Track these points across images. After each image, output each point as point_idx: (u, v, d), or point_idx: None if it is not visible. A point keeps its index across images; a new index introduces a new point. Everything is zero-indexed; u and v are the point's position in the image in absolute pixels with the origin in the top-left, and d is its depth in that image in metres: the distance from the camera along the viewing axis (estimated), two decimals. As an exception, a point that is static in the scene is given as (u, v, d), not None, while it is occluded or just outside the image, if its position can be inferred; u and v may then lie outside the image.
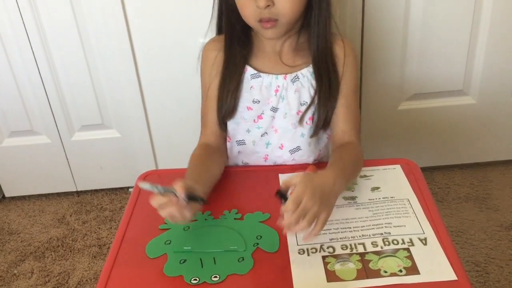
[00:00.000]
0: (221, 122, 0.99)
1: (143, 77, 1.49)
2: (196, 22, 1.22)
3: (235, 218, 0.85)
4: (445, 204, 1.52)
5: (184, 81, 1.45)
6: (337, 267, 0.73)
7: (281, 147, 0.99)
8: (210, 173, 0.92)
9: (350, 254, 0.75)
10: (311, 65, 0.95)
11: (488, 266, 1.30)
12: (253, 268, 0.75)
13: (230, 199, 0.91)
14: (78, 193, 1.71)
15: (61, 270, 1.41)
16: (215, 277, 0.73)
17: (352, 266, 0.73)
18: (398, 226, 0.80)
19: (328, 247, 0.77)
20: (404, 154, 1.61)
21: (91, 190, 1.71)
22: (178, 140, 1.57)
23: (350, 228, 0.81)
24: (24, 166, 1.66)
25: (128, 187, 1.69)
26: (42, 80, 1.49)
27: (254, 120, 0.97)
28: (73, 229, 1.56)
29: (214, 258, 0.77)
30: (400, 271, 0.72)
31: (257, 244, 0.79)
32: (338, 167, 0.84)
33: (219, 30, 0.99)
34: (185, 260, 0.77)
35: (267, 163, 1.01)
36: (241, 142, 1.00)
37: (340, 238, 0.79)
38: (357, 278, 0.71)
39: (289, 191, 0.76)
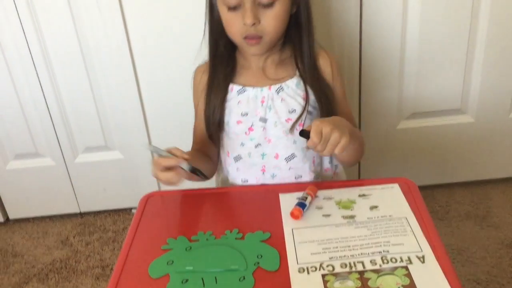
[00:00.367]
0: (211, 137, 1.04)
1: (146, 100, 1.53)
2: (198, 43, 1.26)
3: (236, 238, 0.86)
4: (446, 222, 1.53)
5: (186, 105, 1.46)
6: (337, 285, 0.74)
7: (276, 157, 1.01)
8: (204, 164, 0.99)
9: (349, 272, 0.77)
10: (294, 77, 1.00)
11: (490, 284, 1.31)
12: (254, 287, 0.76)
13: (231, 219, 0.92)
14: (82, 214, 1.74)
15: (65, 291, 1.43)
16: None
17: (351, 284, 0.74)
18: (396, 244, 0.81)
19: (327, 266, 0.78)
20: (404, 172, 1.63)
21: (94, 212, 1.74)
22: None
23: (349, 246, 0.82)
24: (28, 188, 1.69)
25: (131, 208, 1.71)
26: (46, 103, 1.53)
27: (246, 132, 1.01)
28: (76, 251, 1.57)
29: (215, 278, 0.78)
30: None
31: (258, 263, 0.80)
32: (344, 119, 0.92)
33: None
34: (187, 280, 0.78)
35: (265, 176, 1.03)
36: (237, 158, 1.03)
37: (340, 257, 0.80)
38: None
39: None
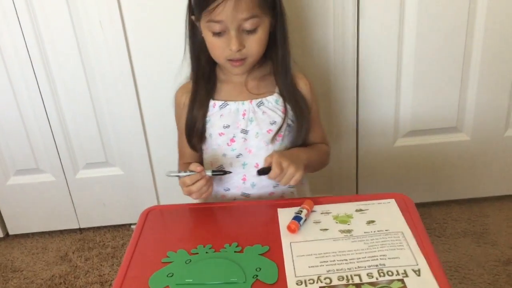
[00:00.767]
0: (193, 148, 1.09)
1: (146, 117, 1.55)
2: None
3: (235, 251, 0.88)
4: (443, 239, 1.54)
5: None
6: None
7: (256, 166, 1.05)
8: None
9: (347, 285, 0.78)
10: (274, 94, 1.05)
11: (487, 300, 1.32)
12: None
13: (230, 233, 0.94)
14: (81, 230, 1.74)
15: (64, 307, 1.43)
16: None
17: None
18: (392, 258, 0.83)
19: (325, 278, 0.80)
20: (401, 189, 1.63)
21: (94, 227, 1.75)
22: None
23: (346, 260, 0.83)
24: (28, 203, 1.70)
25: (130, 224, 1.72)
26: (48, 120, 1.55)
27: (227, 143, 1.05)
28: (76, 266, 1.58)
29: None
30: None
31: (257, 276, 0.82)
32: (302, 149, 1.07)
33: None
34: None
35: (245, 185, 1.08)
36: (220, 168, 1.06)
37: (337, 270, 0.81)
38: None
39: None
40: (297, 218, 0.91)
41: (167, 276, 0.84)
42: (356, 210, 0.96)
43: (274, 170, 0.95)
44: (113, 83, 1.49)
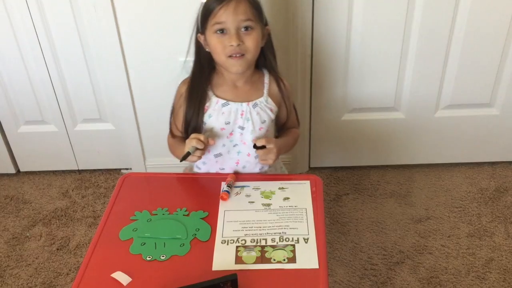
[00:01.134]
0: (187, 136, 1.31)
1: (133, 82, 1.80)
2: (182, 36, 1.54)
3: (183, 214, 1.17)
4: (373, 199, 1.87)
5: (168, 85, 1.72)
6: (244, 254, 1.06)
7: (248, 155, 1.33)
8: None
9: (255, 246, 1.08)
10: (263, 96, 1.31)
11: (393, 251, 1.66)
12: (190, 252, 1.07)
13: (182, 200, 1.23)
14: (80, 171, 2.07)
15: (64, 235, 1.79)
16: (163, 256, 1.07)
17: (254, 254, 1.06)
18: (292, 228, 1.12)
19: (241, 240, 1.10)
20: (346, 155, 1.96)
21: (90, 170, 2.06)
22: (160, 132, 1.86)
23: (260, 227, 1.12)
24: (36, 147, 2.00)
25: (120, 169, 2.05)
26: (51, 81, 1.83)
27: (227, 136, 1.32)
28: (74, 202, 1.93)
29: (164, 243, 1.09)
30: (284, 260, 1.05)
31: (195, 234, 1.11)
32: (281, 140, 1.35)
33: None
34: (144, 243, 1.09)
35: (238, 167, 1.35)
36: (218, 155, 1.34)
37: (252, 234, 1.11)
38: (255, 263, 1.04)
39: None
40: (226, 190, 1.22)
41: (132, 230, 1.13)
42: (279, 188, 1.24)
43: (263, 139, 1.26)
44: (105, 53, 1.74)
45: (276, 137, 1.39)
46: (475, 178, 1.93)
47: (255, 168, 1.36)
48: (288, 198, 1.22)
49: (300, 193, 1.24)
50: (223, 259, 1.06)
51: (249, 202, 1.22)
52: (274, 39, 1.32)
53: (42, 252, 1.72)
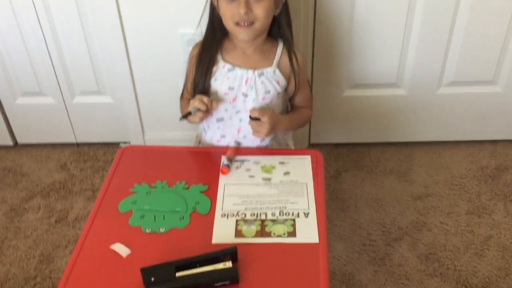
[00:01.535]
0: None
1: (132, 53, 1.77)
2: (181, 8, 1.56)
3: (183, 188, 1.17)
4: (373, 175, 1.86)
5: (167, 57, 1.75)
6: (244, 228, 1.08)
7: (249, 123, 1.31)
8: None
9: (255, 220, 1.09)
10: (272, 66, 1.29)
11: (392, 227, 1.67)
12: (189, 224, 1.08)
13: (182, 173, 1.23)
14: (78, 144, 2.05)
15: (62, 207, 1.79)
16: (162, 228, 1.08)
17: (254, 228, 1.07)
18: (293, 203, 1.12)
19: (241, 214, 1.11)
20: (347, 132, 1.95)
21: (89, 143, 2.04)
22: (159, 106, 1.89)
23: (260, 201, 1.13)
24: (34, 119, 1.99)
25: (119, 142, 2.04)
26: (49, 52, 1.80)
27: (230, 102, 1.31)
28: (73, 175, 1.92)
29: (163, 216, 1.10)
30: (284, 234, 1.06)
31: (195, 207, 1.12)
32: (287, 117, 1.34)
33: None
34: (144, 216, 1.11)
35: (239, 135, 1.34)
36: (220, 119, 1.34)
37: (252, 208, 1.12)
38: (255, 236, 1.05)
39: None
40: (227, 164, 1.21)
41: (131, 203, 1.14)
42: (280, 162, 1.25)
43: (256, 111, 1.24)
44: (103, 23, 1.70)
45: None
46: (476, 156, 1.93)
47: (256, 140, 1.34)
48: (288, 173, 1.22)
49: (300, 168, 1.24)
50: (223, 232, 1.07)
51: (249, 176, 1.22)
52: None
53: (40, 224, 1.72)
